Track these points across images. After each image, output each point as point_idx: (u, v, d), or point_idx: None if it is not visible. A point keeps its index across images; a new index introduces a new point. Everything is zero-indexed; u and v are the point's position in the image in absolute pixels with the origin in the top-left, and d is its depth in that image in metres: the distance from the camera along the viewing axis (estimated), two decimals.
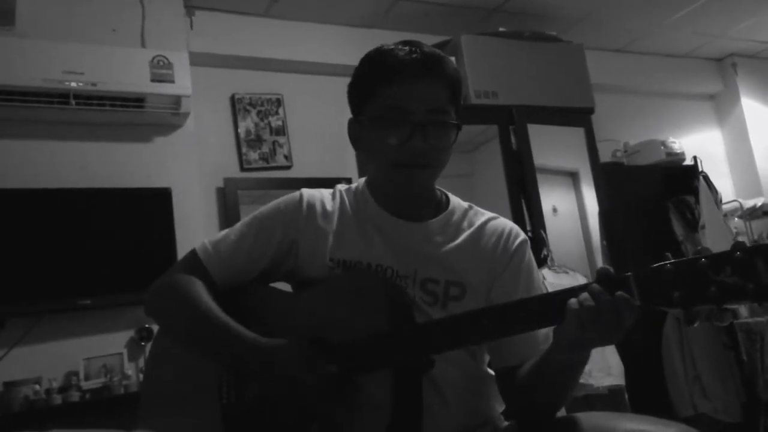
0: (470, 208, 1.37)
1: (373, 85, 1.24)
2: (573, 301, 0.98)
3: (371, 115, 1.25)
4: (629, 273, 0.93)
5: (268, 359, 1.13)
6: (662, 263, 0.90)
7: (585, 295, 0.97)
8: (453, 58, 1.27)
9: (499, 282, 1.27)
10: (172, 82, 3.20)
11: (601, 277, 0.98)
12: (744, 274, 0.83)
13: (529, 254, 1.33)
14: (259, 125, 3.81)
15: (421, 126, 1.20)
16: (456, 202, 1.37)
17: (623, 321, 0.95)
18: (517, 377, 1.22)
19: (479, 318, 1.07)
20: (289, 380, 1.11)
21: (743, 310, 4.01)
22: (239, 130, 3.77)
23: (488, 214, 1.36)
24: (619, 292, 0.95)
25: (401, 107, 1.21)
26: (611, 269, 0.98)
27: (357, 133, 1.30)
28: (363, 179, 1.39)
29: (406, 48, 1.23)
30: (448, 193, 1.39)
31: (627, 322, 0.96)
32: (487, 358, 1.33)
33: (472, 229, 1.32)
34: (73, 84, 2.99)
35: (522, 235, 1.33)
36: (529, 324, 1.06)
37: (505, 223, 1.35)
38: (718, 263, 0.85)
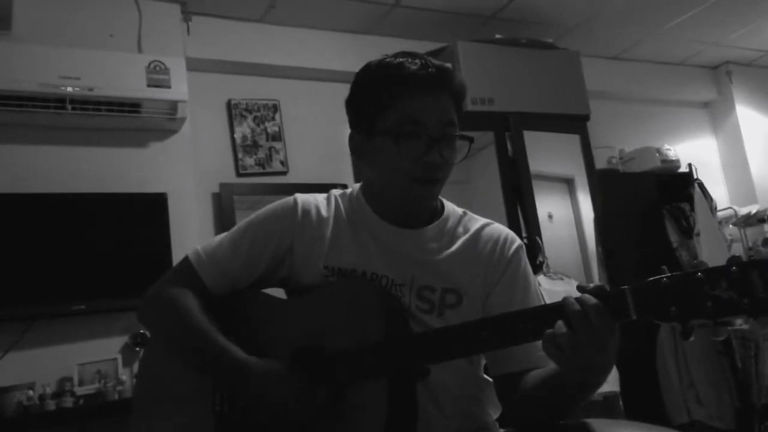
0: (465, 214, 1.37)
1: (386, 98, 1.22)
2: (549, 332, 0.99)
3: (384, 129, 1.22)
4: (625, 287, 0.93)
5: (257, 383, 1.14)
6: (658, 277, 0.90)
7: (559, 323, 0.98)
8: (449, 65, 1.27)
9: (496, 290, 1.27)
10: (169, 87, 3.20)
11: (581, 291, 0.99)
12: (739, 288, 0.83)
13: (525, 260, 1.33)
14: (256, 131, 3.81)
15: (437, 140, 1.20)
16: (450, 208, 1.37)
17: (603, 344, 0.96)
18: (522, 385, 1.21)
19: (474, 329, 1.07)
20: (278, 406, 1.12)
21: (738, 318, 4.02)
22: (235, 136, 3.76)
23: (483, 221, 1.36)
24: (593, 303, 0.95)
25: (418, 121, 1.20)
26: (588, 286, 0.99)
27: (362, 146, 1.28)
28: (358, 185, 1.38)
29: (417, 61, 1.22)
30: (442, 199, 1.38)
31: (608, 344, 0.96)
32: (483, 362, 1.33)
33: (467, 235, 1.32)
34: (70, 89, 2.99)
35: (517, 242, 1.33)
36: (523, 336, 1.05)
37: (501, 229, 1.35)
38: (713, 277, 0.86)
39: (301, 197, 1.33)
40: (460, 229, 1.33)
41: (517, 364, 1.22)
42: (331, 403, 1.11)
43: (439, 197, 1.37)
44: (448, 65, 1.26)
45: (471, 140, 1.26)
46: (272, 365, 1.15)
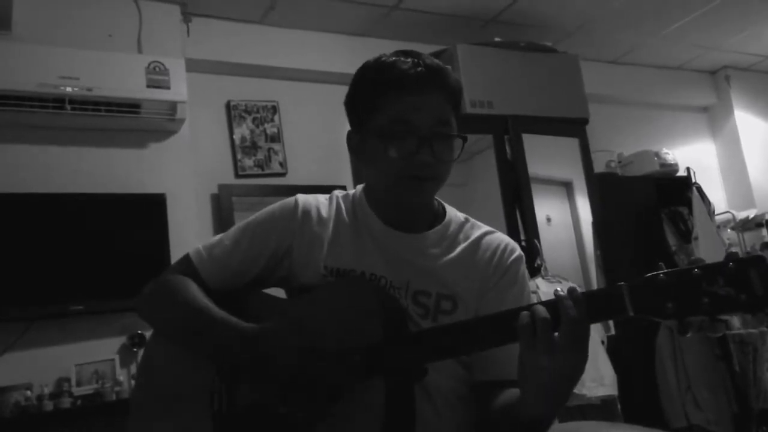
0: (467, 221, 1.36)
1: (377, 98, 1.22)
2: (524, 314, 0.98)
3: (375, 129, 1.22)
4: (622, 283, 0.93)
5: (261, 342, 1.14)
6: (655, 273, 0.90)
7: (539, 307, 0.97)
8: (442, 64, 1.26)
9: (489, 295, 1.27)
10: (168, 88, 3.21)
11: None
12: (737, 285, 0.83)
13: (523, 270, 1.32)
14: (255, 132, 3.81)
15: (427, 139, 1.19)
16: (452, 213, 1.36)
17: (577, 338, 0.95)
18: (494, 403, 1.20)
19: (473, 326, 1.07)
20: (285, 354, 1.12)
21: (736, 321, 4.02)
22: (234, 137, 3.77)
23: (485, 228, 1.35)
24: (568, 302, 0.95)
25: (407, 120, 1.19)
26: (577, 287, 0.98)
27: (359, 145, 1.28)
28: (360, 186, 1.37)
29: (409, 60, 1.21)
30: (445, 204, 1.37)
31: (582, 342, 0.95)
32: None
33: (467, 242, 1.31)
34: (69, 89, 2.99)
35: (517, 252, 1.32)
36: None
37: (501, 238, 1.34)
38: (711, 274, 0.85)
39: (302, 198, 1.33)
40: (461, 236, 1.32)
41: (504, 372, 1.21)
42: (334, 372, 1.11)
43: (442, 202, 1.37)
44: (441, 63, 1.25)
45: (465, 139, 1.24)
46: (267, 325, 1.16)
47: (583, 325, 0.95)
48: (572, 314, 0.94)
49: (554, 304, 0.97)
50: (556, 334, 0.96)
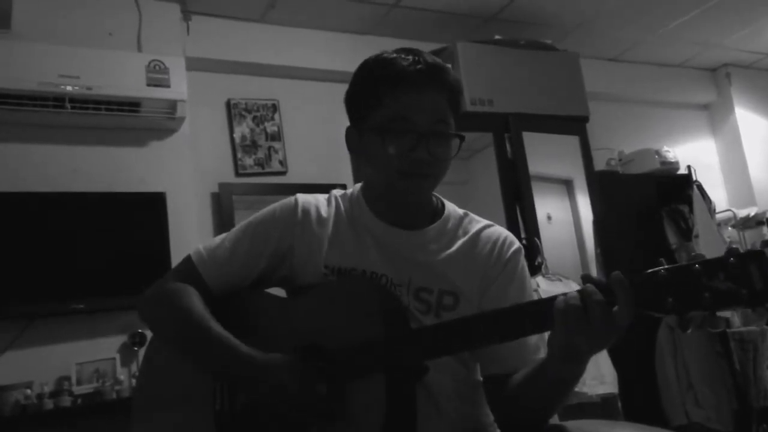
0: (465, 215, 1.36)
1: (376, 95, 1.22)
2: (560, 299, 0.97)
3: (374, 125, 1.23)
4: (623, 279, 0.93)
5: (259, 373, 1.14)
6: (656, 269, 0.89)
7: (572, 294, 0.96)
8: (442, 62, 1.27)
9: (490, 289, 1.27)
10: (168, 86, 3.20)
11: (587, 281, 0.97)
12: (737, 279, 0.83)
13: (523, 262, 1.33)
14: (255, 131, 3.81)
15: (425, 137, 1.19)
16: (451, 209, 1.36)
17: (611, 324, 0.93)
18: (507, 386, 1.21)
19: (474, 323, 1.07)
20: (279, 396, 1.12)
21: (736, 319, 4.02)
22: (234, 136, 3.76)
23: (483, 222, 1.36)
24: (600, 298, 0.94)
25: (406, 117, 1.20)
26: (592, 275, 0.98)
27: (357, 142, 1.28)
28: (358, 185, 1.38)
29: (410, 57, 1.22)
30: (443, 200, 1.38)
31: (615, 327, 0.94)
32: (477, 365, 1.33)
33: (466, 237, 1.31)
34: (69, 88, 2.99)
35: (516, 244, 1.33)
36: (522, 329, 1.05)
37: (500, 231, 1.34)
38: (711, 269, 0.85)
39: (301, 197, 1.34)
40: (460, 231, 1.32)
41: (505, 365, 1.22)
42: (332, 397, 1.11)
43: (441, 198, 1.38)
44: (442, 62, 1.25)
45: (462, 138, 1.25)
46: (275, 357, 1.15)
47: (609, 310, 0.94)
48: (597, 298, 0.94)
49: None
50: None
